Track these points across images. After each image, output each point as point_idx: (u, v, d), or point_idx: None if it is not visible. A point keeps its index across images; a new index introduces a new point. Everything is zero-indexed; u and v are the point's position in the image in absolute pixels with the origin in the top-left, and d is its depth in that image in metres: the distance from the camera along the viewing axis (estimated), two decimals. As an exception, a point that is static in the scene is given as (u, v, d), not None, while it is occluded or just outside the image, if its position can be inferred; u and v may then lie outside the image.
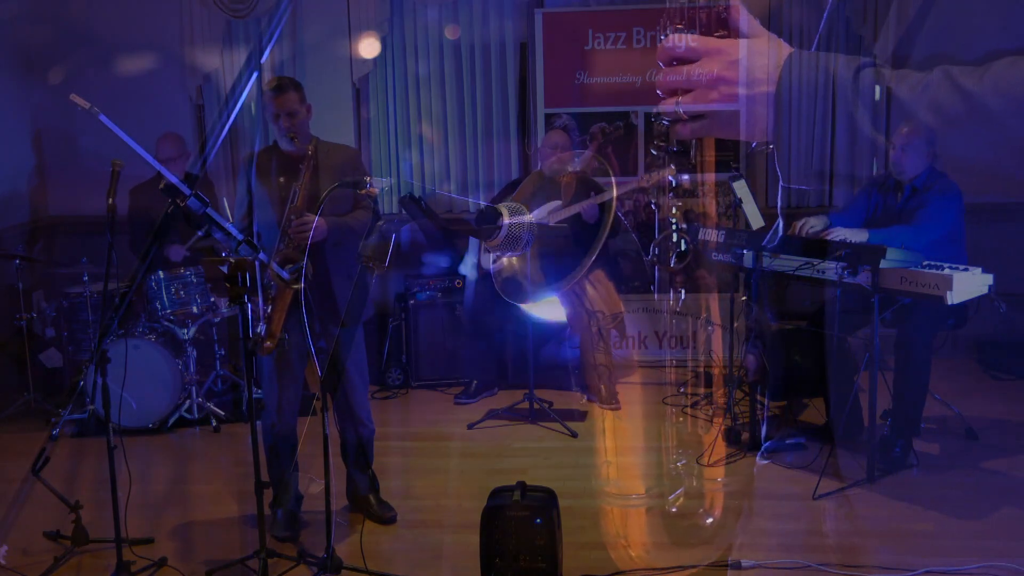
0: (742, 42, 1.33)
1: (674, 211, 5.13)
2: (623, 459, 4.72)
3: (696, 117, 1.34)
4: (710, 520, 3.94)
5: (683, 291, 5.79)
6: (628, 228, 5.75)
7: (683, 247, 4.90)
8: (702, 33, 1.34)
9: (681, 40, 1.31)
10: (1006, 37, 5.46)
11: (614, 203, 5.05)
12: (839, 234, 4.27)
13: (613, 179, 5.05)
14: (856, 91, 1.30)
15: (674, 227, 5.10)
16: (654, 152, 1.41)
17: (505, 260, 5.28)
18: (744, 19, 1.32)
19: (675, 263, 5.29)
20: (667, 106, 1.34)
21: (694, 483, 4.30)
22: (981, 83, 1.23)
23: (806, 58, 1.31)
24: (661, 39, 1.35)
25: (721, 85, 1.30)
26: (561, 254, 5.28)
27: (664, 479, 4.37)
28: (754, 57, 1.30)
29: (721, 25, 1.35)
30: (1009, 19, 5.57)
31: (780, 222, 4.49)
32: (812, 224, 4.49)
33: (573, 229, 5.17)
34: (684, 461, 4.49)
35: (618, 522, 3.99)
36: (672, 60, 1.34)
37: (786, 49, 1.31)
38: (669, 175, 4.98)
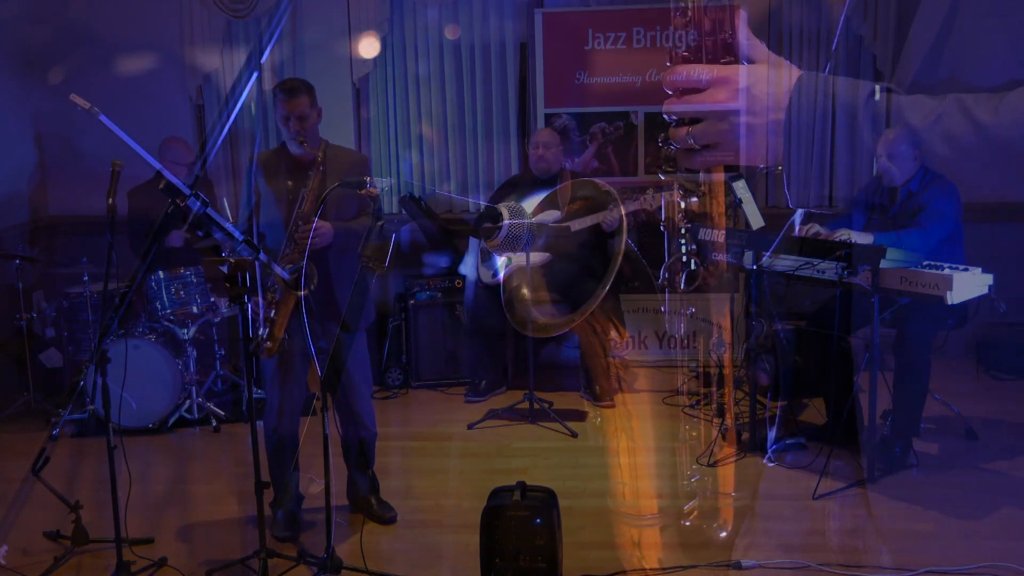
0: (750, 69, 1.32)
1: (683, 232, 5.13)
2: (621, 460, 4.72)
3: (706, 146, 1.34)
4: (710, 520, 3.94)
5: (692, 308, 5.80)
6: (638, 256, 5.75)
7: (693, 267, 4.92)
8: (708, 60, 1.34)
9: (688, 70, 1.31)
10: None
11: (624, 231, 5.05)
12: (844, 236, 4.26)
13: (622, 208, 5.05)
14: (867, 117, 1.30)
15: (683, 249, 5.11)
16: (662, 177, 1.43)
17: (515, 290, 5.29)
18: (748, 44, 1.32)
19: (685, 286, 5.31)
20: (678, 137, 1.34)
21: (694, 484, 4.30)
22: (996, 114, 1.23)
23: (816, 83, 1.30)
24: (667, 64, 1.35)
25: (731, 115, 1.30)
26: (572, 284, 5.30)
27: (662, 481, 4.37)
28: (763, 84, 1.30)
29: (727, 52, 1.34)
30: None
31: (797, 219, 4.47)
32: (818, 231, 4.49)
33: (587, 240, 5.18)
34: (694, 467, 4.49)
35: (618, 524, 3.98)
36: (679, 89, 1.33)
37: (795, 72, 1.31)
38: (677, 196, 4.99)
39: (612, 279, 5.00)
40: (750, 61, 1.33)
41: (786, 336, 4.85)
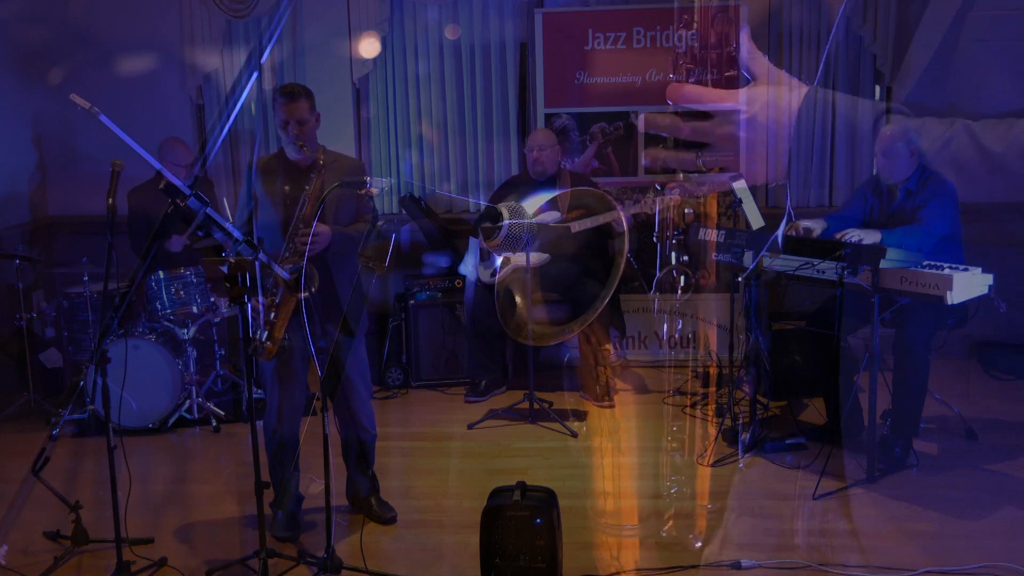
0: (752, 93, 1.32)
1: (675, 243, 5.15)
2: (621, 460, 4.71)
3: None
4: (710, 520, 3.94)
5: (680, 321, 5.84)
6: (637, 269, 5.74)
7: (684, 281, 4.94)
8: (713, 70, 1.35)
9: (697, 94, 1.31)
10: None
11: (627, 241, 5.04)
12: (854, 235, 4.27)
13: (621, 213, 5.04)
14: (876, 138, 1.31)
15: (675, 262, 5.13)
16: (658, 187, 1.43)
17: (509, 296, 5.30)
18: (750, 57, 1.31)
19: (678, 297, 5.34)
20: (686, 160, 1.36)
21: (693, 483, 4.30)
22: (1005, 143, 1.22)
23: (822, 102, 1.30)
24: (671, 77, 1.36)
25: (739, 145, 1.30)
26: (571, 285, 5.30)
27: (662, 480, 4.37)
28: (770, 110, 1.29)
29: (731, 64, 1.35)
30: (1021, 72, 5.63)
31: (780, 233, 4.48)
32: (807, 227, 4.50)
33: (586, 242, 5.18)
34: (680, 475, 4.49)
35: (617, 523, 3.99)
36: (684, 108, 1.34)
37: (797, 91, 1.30)
38: (671, 202, 5.01)
39: (614, 288, 4.99)
40: (751, 74, 1.33)
41: (784, 337, 4.85)
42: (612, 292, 5.01)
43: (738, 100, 1.31)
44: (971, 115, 1.28)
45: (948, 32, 5.70)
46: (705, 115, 1.33)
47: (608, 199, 5.11)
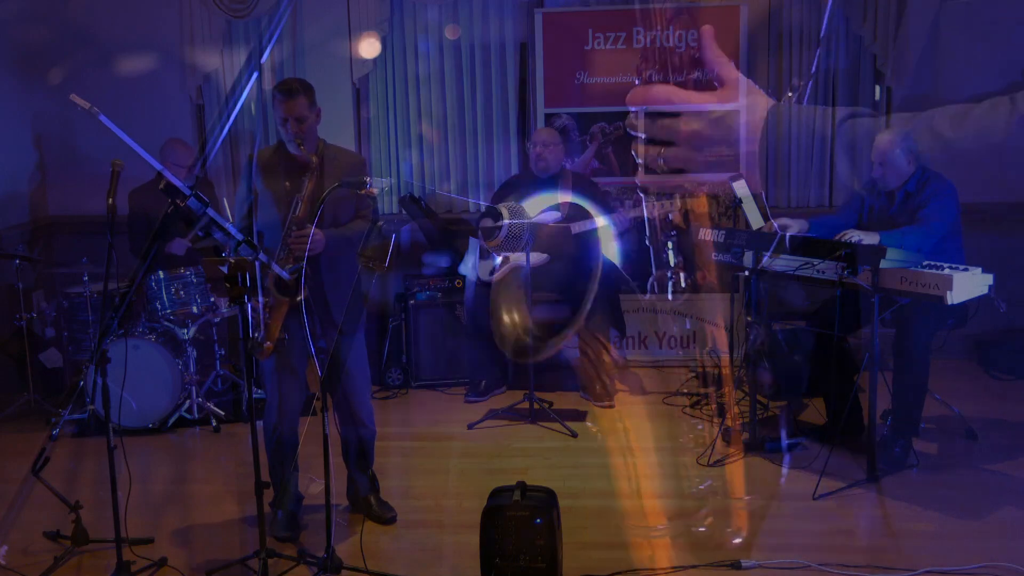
0: (725, 98, 1.33)
1: (670, 245, 5.16)
2: (621, 460, 4.71)
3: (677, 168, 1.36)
4: (710, 520, 3.94)
5: (688, 320, 5.85)
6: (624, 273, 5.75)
7: (682, 284, 4.95)
8: (675, 71, 1.36)
9: (663, 93, 1.31)
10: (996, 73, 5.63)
11: (599, 272, 5.08)
12: (854, 235, 4.27)
13: (598, 219, 5.07)
14: (840, 143, 1.32)
15: (670, 264, 5.14)
16: (640, 194, 1.44)
17: (501, 314, 5.30)
18: (717, 62, 1.32)
19: (672, 296, 5.34)
20: (650, 155, 1.35)
21: (693, 483, 4.30)
22: (962, 129, 1.24)
23: (787, 113, 1.31)
24: (636, 81, 1.37)
25: (705, 146, 1.31)
26: (556, 302, 5.32)
27: (661, 481, 4.37)
28: (736, 115, 1.31)
29: (695, 65, 1.36)
30: (1000, 57, 5.69)
31: (781, 232, 4.49)
32: (785, 224, 4.52)
33: (582, 244, 5.19)
34: (680, 475, 4.49)
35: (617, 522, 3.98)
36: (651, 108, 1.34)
37: (766, 101, 1.31)
38: (667, 211, 5.02)
39: (594, 295, 5.00)
40: (719, 81, 1.34)
41: (784, 337, 4.85)
42: (592, 298, 5.02)
43: (705, 100, 1.32)
44: (944, 101, 1.30)
45: (932, 24, 5.72)
46: (672, 116, 1.34)
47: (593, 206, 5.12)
